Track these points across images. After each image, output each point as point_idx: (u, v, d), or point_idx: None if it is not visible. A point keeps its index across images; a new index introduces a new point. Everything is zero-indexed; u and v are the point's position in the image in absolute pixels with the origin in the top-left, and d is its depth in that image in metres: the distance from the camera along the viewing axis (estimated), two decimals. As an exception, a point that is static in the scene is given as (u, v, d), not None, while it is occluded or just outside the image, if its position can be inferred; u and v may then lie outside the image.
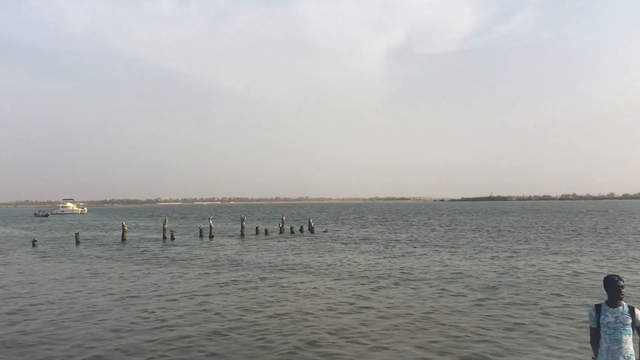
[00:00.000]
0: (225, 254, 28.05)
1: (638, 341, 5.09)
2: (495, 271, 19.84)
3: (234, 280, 18.54)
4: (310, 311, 13.09)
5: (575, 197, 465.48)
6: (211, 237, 41.89)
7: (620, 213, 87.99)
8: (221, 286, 17.28)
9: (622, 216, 74.21)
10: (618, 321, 5.18)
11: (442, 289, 16.03)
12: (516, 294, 15.06)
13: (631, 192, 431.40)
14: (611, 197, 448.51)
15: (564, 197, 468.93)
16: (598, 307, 5.39)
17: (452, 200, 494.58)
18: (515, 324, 11.63)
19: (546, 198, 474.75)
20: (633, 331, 5.21)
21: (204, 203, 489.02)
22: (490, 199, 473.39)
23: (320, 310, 13.24)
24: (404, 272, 19.74)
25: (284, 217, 56.54)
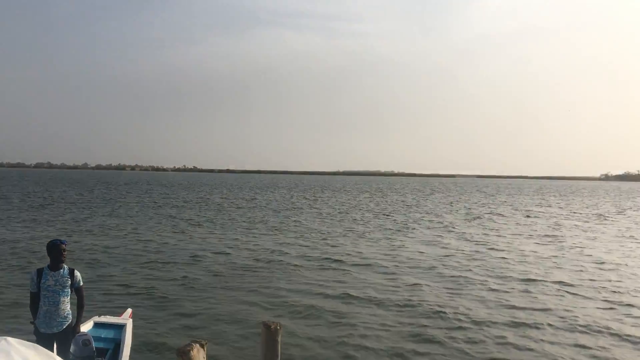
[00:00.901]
0: None
1: (76, 301, 5.41)
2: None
3: None
4: None
5: (50, 166, 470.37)
6: None
7: (98, 181, 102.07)
8: None
9: (98, 184, 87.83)
10: (58, 284, 5.25)
11: None
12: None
13: (104, 163, 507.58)
14: (85, 167, 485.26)
15: (38, 165, 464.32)
16: (40, 271, 5.29)
17: None
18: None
19: (20, 165, 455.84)
20: (71, 291, 5.38)
21: None
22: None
23: None
24: None
25: None
